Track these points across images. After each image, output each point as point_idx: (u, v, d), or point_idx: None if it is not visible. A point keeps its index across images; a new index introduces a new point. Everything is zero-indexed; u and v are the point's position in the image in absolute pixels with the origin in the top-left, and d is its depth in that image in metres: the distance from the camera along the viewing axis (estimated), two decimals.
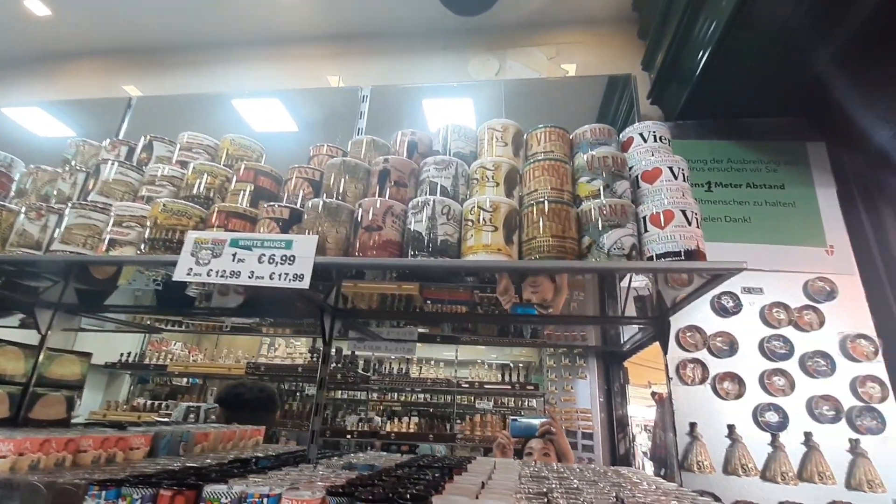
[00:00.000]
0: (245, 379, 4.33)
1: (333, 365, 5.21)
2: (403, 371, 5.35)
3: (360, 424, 4.80)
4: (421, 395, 5.55)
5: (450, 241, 1.24)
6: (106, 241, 1.36)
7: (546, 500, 1.09)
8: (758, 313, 1.69)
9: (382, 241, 1.24)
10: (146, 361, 5.39)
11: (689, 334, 1.67)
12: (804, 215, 1.81)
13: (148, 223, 1.36)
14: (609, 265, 1.15)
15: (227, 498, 1.05)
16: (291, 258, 1.21)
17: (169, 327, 2.92)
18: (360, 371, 5.05)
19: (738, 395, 1.59)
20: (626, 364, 4.14)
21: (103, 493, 1.05)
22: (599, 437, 3.79)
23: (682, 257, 1.14)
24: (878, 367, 1.58)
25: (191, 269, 1.25)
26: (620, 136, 1.48)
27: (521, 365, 5.91)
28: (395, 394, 5.52)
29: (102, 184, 1.55)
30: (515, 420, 2.27)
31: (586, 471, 1.56)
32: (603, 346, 2.38)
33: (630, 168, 1.36)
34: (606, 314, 2.15)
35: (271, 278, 1.20)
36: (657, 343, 1.85)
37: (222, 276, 1.21)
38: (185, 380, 5.61)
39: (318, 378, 1.72)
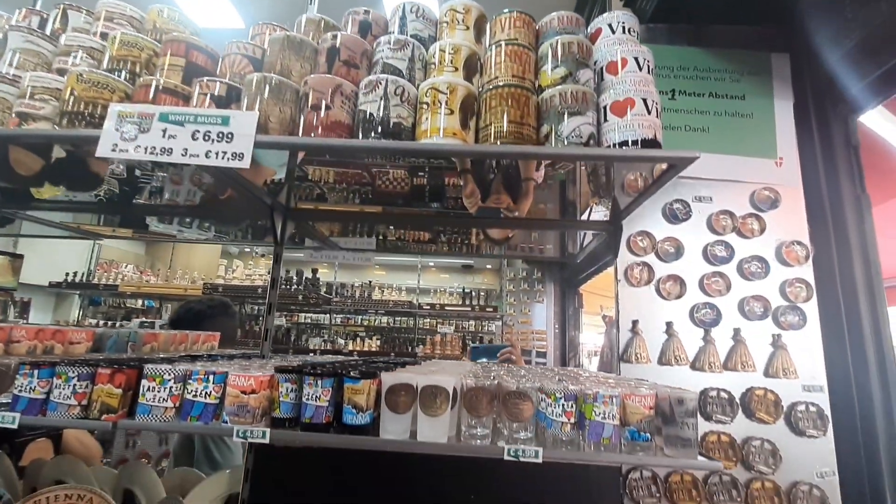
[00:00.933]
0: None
1: (295, 287, 5.19)
2: (366, 294, 5.41)
3: (323, 345, 4.91)
4: (384, 319, 5.66)
5: (403, 125, 1.17)
6: (16, 115, 1.20)
7: (491, 375, 1.13)
8: (705, 220, 1.74)
9: (330, 122, 1.16)
10: (95, 282, 5.18)
11: (639, 239, 1.72)
12: (759, 127, 1.83)
13: (65, 95, 1.20)
14: (564, 151, 1.13)
15: (170, 375, 1.03)
16: (229, 135, 1.11)
17: (113, 233, 2.76)
18: (322, 293, 5.07)
19: (679, 296, 1.68)
20: (581, 290, 4.33)
21: (36, 371, 1.01)
22: (552, 356, 4.02)
23: (639, 146, 1.13)
24: (807, 271, 1.70)
25: (115, 144, 1.14)
26: (589, 28, 1.40)
27: (482, 293, 6.08)
28: (359, 317, 5.61)
29: (10, 54, 1.35)
30: (476, 347, 2.35)
31: (534, 369, 1.64)
32: (561, 257, 2.43)
33: (595, 62, 1.30)
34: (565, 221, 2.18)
35: (207, 156, 1.11)
36: (608, 272, 1.91)
37: (151, 153, 1.11)
38: (139, 302, 5.46)
39: (272, 279, 1.68)
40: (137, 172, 3.07)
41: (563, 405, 1.02)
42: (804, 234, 1.74)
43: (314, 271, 5.41)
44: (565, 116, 1.15)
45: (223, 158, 1.10)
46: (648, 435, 1.02)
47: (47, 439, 2.06)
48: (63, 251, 5.41)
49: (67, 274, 5.15)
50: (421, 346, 5.67)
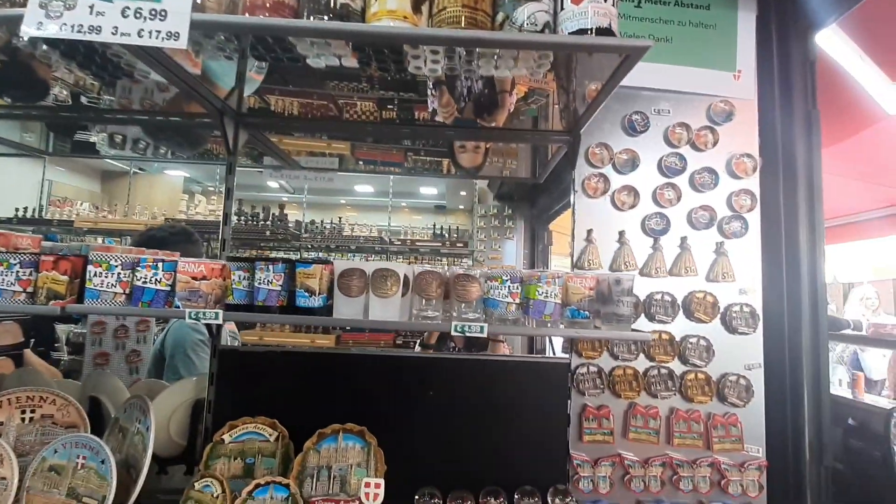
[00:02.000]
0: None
1: (262, 222, 5.09)
2: (336, 231, 5.37)
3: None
4: (354, 256, 5.67)
5: (352, 7, 1.11)
6: None
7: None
8: (662, 133, 1.77)
9: (274, 2, 1.09)
10: (48, 217, 4.94)
11: (597, 150, 1.74)
12: (721, 39, 1.82)
13: None
14: (519, 38, 1.10)
15: (117, 261, 1.02)
16: (163, 13, 1.04)
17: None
18: (290, 229, 5.00)
19: (633, 206, 1.74)
20: (550, 227, 4.40)
21: None
22: None
23: (594, 34, 1.11)
24: (754, 182, 1.77)
25: (41, 22, 1.05)
26: None
27: (454, 233, 6.11)
28: (329, 254, 5.60)
29: None
30: None
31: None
32: (533, 178, 2.44)
33: None
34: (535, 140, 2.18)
35: (140, 35, 1.03)
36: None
37: (79, 31, 1.03)
38: (99, 239, 5.27)
39: (226, 189, 1.64)
40: (84, 99, 2.86)
41: (508, 287, 1.07)
42: (754, 147, 1.79)
43: (281, 207, 5.30)
44: (521, 3, 1.12)
45: (157, 38, 1.04)
46: (588, 313, 1.09)
47: (7, 358, 2.05)
48: (9, 187, 5.10)
49: (17, 209, 4.89)
50: None
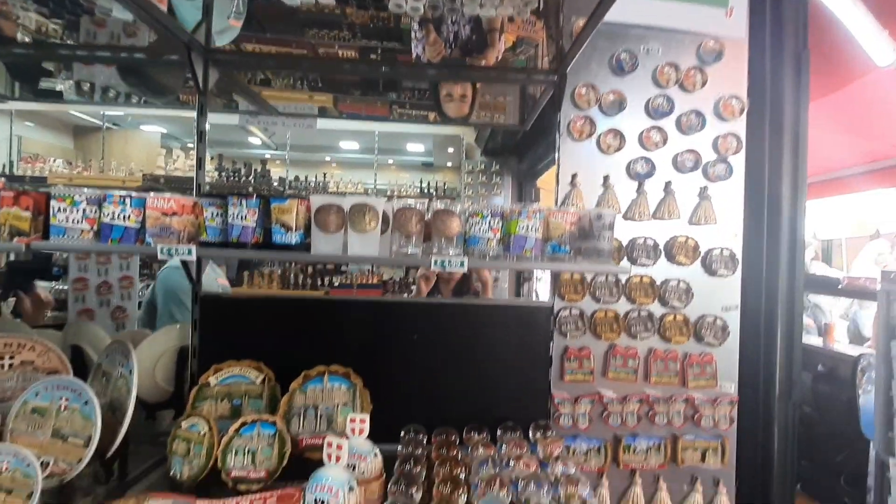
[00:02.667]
0: None
1: (245, 178, 4.97)
2: (321, 187, 5.27)
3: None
4: None
5: None
6: None
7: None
8: (650, 73, 1.72)
9: None
10: (19, 174, 4.76)
11: (583, 90, 1.69)
12: None
13: None
14: None
15: (81, 196, 0.98)
16: None
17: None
18: (274, 185, 4.90)
19: (618, 149, 1.71)
20: (537, 184, 4.35)
21: None
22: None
23: None
24: (740, 125, 1.75)
25: None
26: None
27: (442, 191, 6.03)
28: None
29: None
30: None
31: None
32: (521, 125, 2.38)
33: None
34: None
35: None
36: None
37: None
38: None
39: (198, 132, 1.57)
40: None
41: (489, 222, 1.05)
42: (742, 89, 1.76)
43: (263, 163, 5.17)
44: None
45: None
46: (568, 248, 1.08)
47: None
48: None
49: None
50: None
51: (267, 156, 6.16)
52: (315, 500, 1.06)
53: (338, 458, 1.11)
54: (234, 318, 1.61)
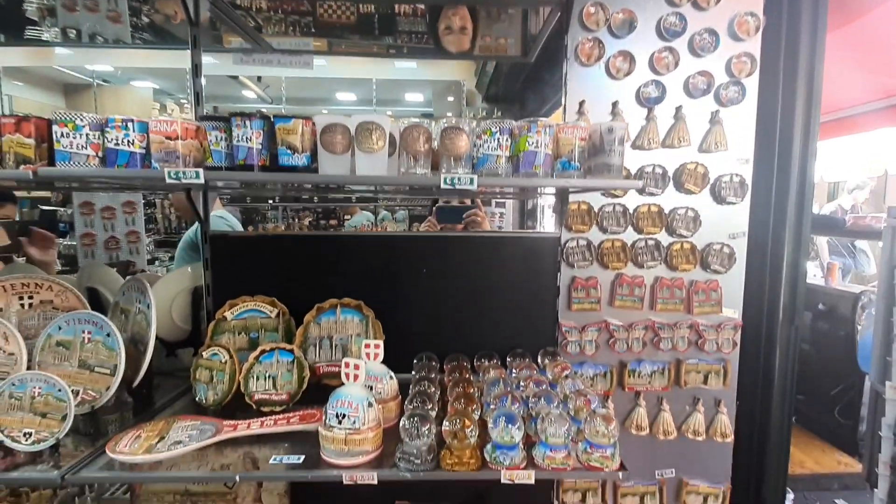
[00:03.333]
0: None
1: None
2: None
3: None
4: None
5: None
6: None
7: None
8: None
9: None
10: None
11: (592, 9, 1.62)
12: None
13: None
14: None
15: (83, 121, 0.96)
16: None
17: None
18: None
19: (628, 73, 1.65)
20: None
21: None
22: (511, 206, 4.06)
23: None
24: (755, 45, 1.67)
25: None
26: None
27: None
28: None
29: None
30: (442, 207, 2.29)
31: None
32: (523, 56, 2.30)
33: None
34: None
35: None
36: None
37: None
38: None
39: (192, 65, 1.52)
40: None
41: (498, 139, 1.04)
42: (759, 5, 1.67)
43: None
44: None
45: None
46: (578, 164, 1.07)
47: None
48: None
49: None
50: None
51: (264, 109, 6.02)
52: (336, 414, 1.11)
53: (356, 378, 1.15)
54: (245, 256, 1.63)
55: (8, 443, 1.09)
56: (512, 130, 1.05)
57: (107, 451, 1.08)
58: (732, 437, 1.78)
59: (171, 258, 3.75)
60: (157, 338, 1.38)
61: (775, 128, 1.81)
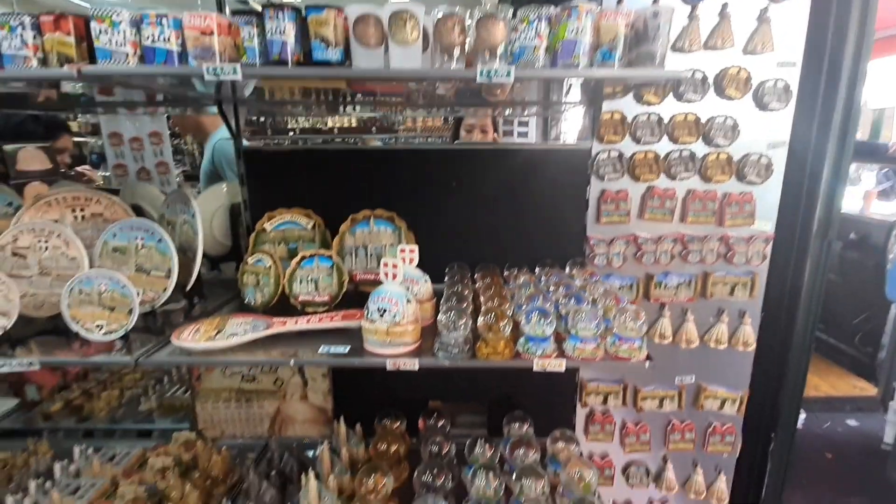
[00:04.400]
0: None
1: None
2: None
3: (301, 121, 4.77)
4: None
5: None
6: None
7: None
8: None
9: None
10: None
11: None
12: None
13: None
14: None
15: (119, 16, 0.96)
16: None
17: None
18: None
19: None
20: None
21: None
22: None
23: None
24: None
25: None
26: None
27: None
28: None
29: None
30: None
31: None
32: None
33: None
34: None
35: None
36: None
37: None
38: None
39: None
40: None
41: (536, 27, 1.00)
42: None
43: None
44: None
45: None
46: (620, 54, 1.03)
47: (41, 184, 2.12)
48: None
49: None
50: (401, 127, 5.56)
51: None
52: (378, 308, 1.18)
53: (394, 276, 1.21)
54: (280, 171, 1.66)
55: (84, 333, 1.21)
56: (551, 18, 1.00)
57: (172, 340, 1.19)
58: (755, 346, 1.83)
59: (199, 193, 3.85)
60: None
61: (826, 35, 1.68)
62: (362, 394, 1.85)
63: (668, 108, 1.65)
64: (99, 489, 1.54)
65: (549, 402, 1.90)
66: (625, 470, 1.98)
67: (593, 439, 1.93)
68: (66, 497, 1.47)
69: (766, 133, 1.68)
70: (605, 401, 1.90)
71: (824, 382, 4.69)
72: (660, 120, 1.66)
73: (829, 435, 4.35)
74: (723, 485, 1.98)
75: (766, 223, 1.76)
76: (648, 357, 1.18)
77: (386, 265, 1.21)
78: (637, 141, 1.68)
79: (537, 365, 1.15)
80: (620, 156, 1.68)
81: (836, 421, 4.53)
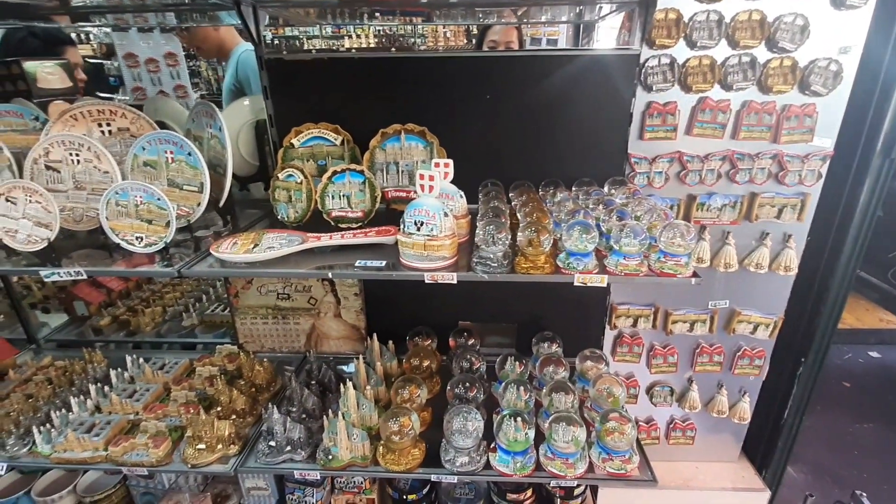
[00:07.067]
0: None
1: None
2: None
3: (318, 43, 4.52)
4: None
5: None
6: None
7: None
8: None
9: None
10: None
11: None
12: None
13: None
14: None
15: None
16: None
17: None
18: None
19: None
20: None
21: None
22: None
23: None
24: None
25: None
26: None
27: None
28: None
29: None
30: None
31: None
32: None
33: None
34: None
35: None
36: None
37: None
38: None
39: None
40: None
41: None
42: None
43: None
44: None
45: None
46: None
47: (56, 65, 2.06)
48: None
49: None
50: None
51: None
52: (415, 221, 1.15)
53: (430, 189, 1.17)
54: (304, 83, 1.58)
55: (125, 245, 1.22)
56: None
57: (211, 251, 1.19)
58: (796, 270, 1.77)
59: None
60: None
61: None
62: (394, 314, 1.89)
63: (731, 4, 1.47)
64: (153, 393, 1.65)
65: (578, 325, 1.91)
66: (649, 390, 2.03)
67: (620, 360, 1.96)
68: (124, 399, 1.58)
69: (839, 36, 1.50)
70: (634, 324, 1.90)
71: (850, 315, 4.63)
72: (720, 20, 1.48)
73: (849, 365, 4.38)
74: (746, 405, 2.02)
75: (825, 140, 1.62)
76: (695, 274, 1.14)
77: (422, 177, 1.16)
78: (692, 45, 1.52)
79: (578, 280, 1.13)
80: (672, 63, 1.54)
81: (858, 352, 4.54)
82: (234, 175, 1.75)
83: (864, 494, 2.81)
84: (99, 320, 2.10)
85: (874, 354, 4.50)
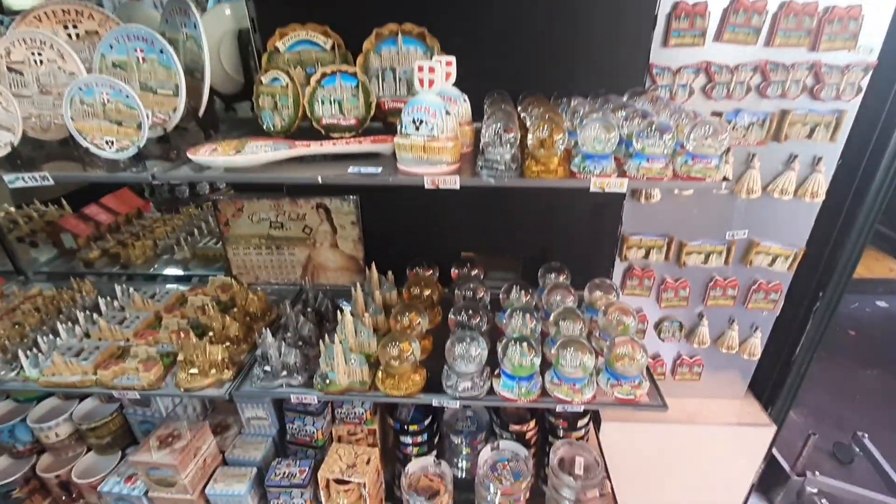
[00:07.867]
0: None
1: None
2: None
3: None
4: None
5: None
6: None
7: None
8: None
9: None
10: None
11: None
12: None
13: None
14: None
15: None
16: None
17: None
18: None
19: None
20: None
21: None
22: None
23: None
24: None
25: None
26: None
27: None
28: None
29: None
30: None
31: None
32: None
33: None
34: None
35: None
36: None
37: None
38: None
39: None
40: None
41: None
42: None
43: None
44: None
45: None
46: None
47: None
48: None
49: None
50: None
51: None
52: (413, 120, 1.03)
53: (431, 83, 1.04)
54: None
55: (94, 149, 1.11)
56: None
57: (188, 155, 1.08)
58: (823, 197, 1.65)
59: None
60: (211, 90, 1.29)
61: None
62: (393, 245, 1.80)
63: None
64: (144, 321, 1.59)
65: (587, 257, 1.82)
66: (657, 325, 1.96)
67: (629, 293, 1.88)
68: (113, 325, 1.53)
69: None
70: (646, 255, 1.80)
71: (860, 265, 4.55)
72: None
73: (855, 314, 4.33)
74: (757, 341, 1.96)
75: (868, 50, 1.46)
76: (726, 178, 1.02)
77: (421, 69, 1.03)
78: None
79: (595, 185, 1.02)
80: None
81: (865, 302, 4.48)
82: (217, 92, 1.62)
83: (866, 435, 2.82)
84: (88, 253, 2.02)
85: (881, 304, 4.44)
